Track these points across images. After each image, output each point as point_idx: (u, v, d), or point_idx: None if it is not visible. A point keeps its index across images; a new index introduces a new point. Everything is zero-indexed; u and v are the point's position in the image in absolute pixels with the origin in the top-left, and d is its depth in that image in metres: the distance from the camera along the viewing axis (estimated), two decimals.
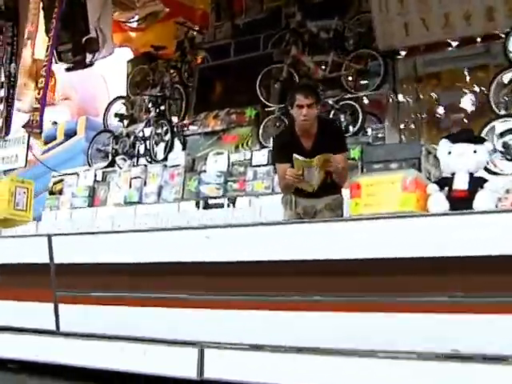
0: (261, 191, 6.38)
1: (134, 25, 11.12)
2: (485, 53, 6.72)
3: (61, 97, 12.23)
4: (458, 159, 3.68)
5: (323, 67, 7.14)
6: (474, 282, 3.03)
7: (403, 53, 7.13)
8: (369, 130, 6.41)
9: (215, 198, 6.56)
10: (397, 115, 6.81)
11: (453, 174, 3.66)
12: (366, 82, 7.05)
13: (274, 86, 7.49)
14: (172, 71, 8.71)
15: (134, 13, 10.84)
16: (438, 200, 3.61)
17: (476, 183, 3.60)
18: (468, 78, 6.92)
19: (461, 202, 3.52)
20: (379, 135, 6.27)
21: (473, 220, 3.23)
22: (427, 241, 3.20)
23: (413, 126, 7.06)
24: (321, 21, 7.51)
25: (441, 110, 7.11)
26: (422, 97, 7.13)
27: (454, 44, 6.85)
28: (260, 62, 7.68)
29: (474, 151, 3.68)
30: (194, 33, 9.22)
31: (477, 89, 6.83)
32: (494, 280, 3.00)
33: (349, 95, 6.87)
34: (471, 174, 3.63)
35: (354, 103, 6.63)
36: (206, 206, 6.55)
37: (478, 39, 6.73)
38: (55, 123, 10.93)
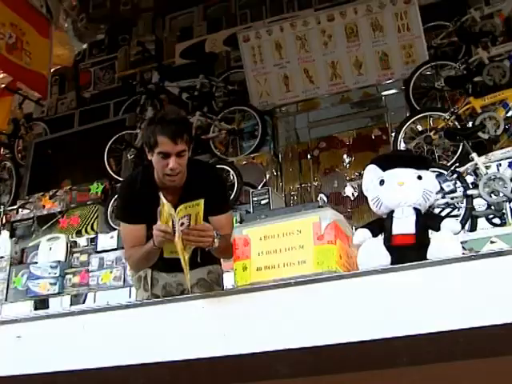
0: (109, 284, 4.83)
1: None
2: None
3: None
4: (396, 191, 2.39)
5: None
6: None
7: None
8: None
9: (48, 296, 4.94)
10: (281, 179, 5.60)
11: (390, 213, 2.36)
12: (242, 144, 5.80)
13: (127, 156, 6.08)
14: (3, 150, 7.13)
15: None
16: (373, 250, 2.30)
17: (426, 223, 2.33)
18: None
19: (406, 251, 2.25)
20: (262, 202, 4.92)
21: (431, 276, 1.92)
22: (360, 315, 1.93)
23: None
24: (183, 80, 6.32)
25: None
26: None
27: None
28: (109, 131, 6.37)
29: (418, 177, 2.40)
30: (32, 104, 7.73)
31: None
32: None
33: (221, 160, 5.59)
34: (417, 211, 2.35)
35: (229, 168, 5.30)
36: (38, 308, 4.95)
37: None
38: None
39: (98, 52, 8.09)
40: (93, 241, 5.24)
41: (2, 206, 6.45)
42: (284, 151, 5.96)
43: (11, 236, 6.03)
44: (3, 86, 8.31)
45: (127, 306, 2.43)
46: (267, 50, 5.87)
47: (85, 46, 8.31)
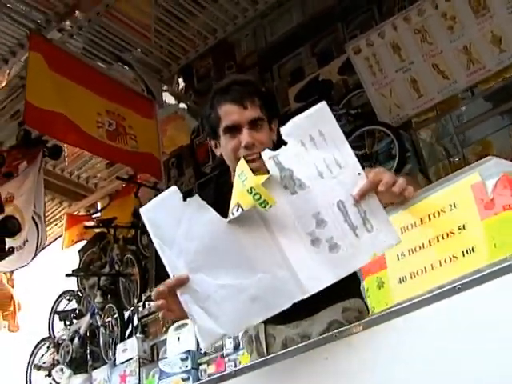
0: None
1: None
2: None
3: None
4: None
5: None
6: None
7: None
8: None
9: None
10: None
11: None
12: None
13: None
14: (125, 245, 6.74)
15: (90, 200, 9.30)
16: None
17: None
18: None
19: None
20: None
21: None
22: None
23: None
24: None
25: None
26: None
27: None
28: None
29: None
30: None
31: None
32: None
33: None
34: None
35: None
36: None
37: None
38: None
39: None
40: None
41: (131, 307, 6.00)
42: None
43: (143, 333, 5.49)
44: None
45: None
46: (384, 56, 5.06)
47: (198, 121, 7.92)
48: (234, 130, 2.04)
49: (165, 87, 7.94)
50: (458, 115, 4.84)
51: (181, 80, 8.26)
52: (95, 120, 6.16)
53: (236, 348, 4.19)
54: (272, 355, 1.61)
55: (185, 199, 1.57)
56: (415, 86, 4.95)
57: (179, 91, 8.24)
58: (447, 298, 1.31)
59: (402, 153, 4.72)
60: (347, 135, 4.54)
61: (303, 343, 1.54)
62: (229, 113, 2.05)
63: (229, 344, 4.25)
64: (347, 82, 6.07)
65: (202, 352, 4.43)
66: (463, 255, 1.41)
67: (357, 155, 4.30)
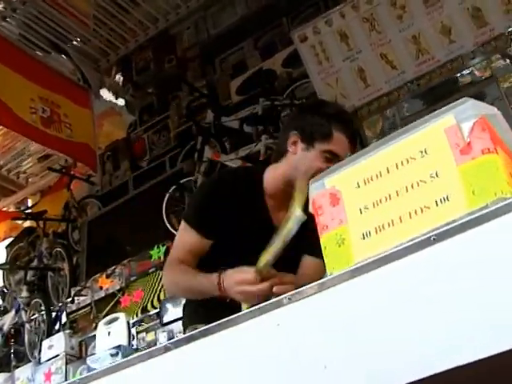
0: None
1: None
2: None
3: None
4: None
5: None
6: None
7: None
8: None
9: None
10: None
11: None
12: None
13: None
14: (55, 239, 6.44)
15: (20, 196, 8.90)
16: None
17: None
18: None
19: None
20: None
21: None
22: None
23: None
24: (242, 111, 5.45)
25: None
26: None
27: None
28: (166, 187, 5.53)
29: None
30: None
31: None
32: None
33: None
34: None
35: None
36: None
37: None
38: None
39: (148, 117, 7.37)
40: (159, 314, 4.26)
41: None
42: None
43: (71, 329, 5.20)
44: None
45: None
46: (331, 45, 4.91)
47: (135, 116, 7.67)
48: (331, 156, 2.13)
49: (103, 81, 7.67)
50: (407, 106, 4.72)
51: (119, 73, 7.99)
52: (28, 105, 5.93)
53: None
54: (215, 323, 1.39)
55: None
56: (362, 75, 4.82)
57: (117, 84, 7.97)
58: (420, 251, 1.13)
59: None
60: None
61: (251, 308, 1.33)
62: (340, 143, 2.14)
63: (162, 338, 4.01)
64: (291, 74, 5.92)
65: (134, 347, 4.18)
66: (436, 205, 1.23)
67: None
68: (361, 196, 1.34)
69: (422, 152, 1.29)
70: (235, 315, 1.38)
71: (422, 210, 1.24)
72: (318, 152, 2.15)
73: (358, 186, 1.37)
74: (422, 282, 1.11)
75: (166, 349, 1.42)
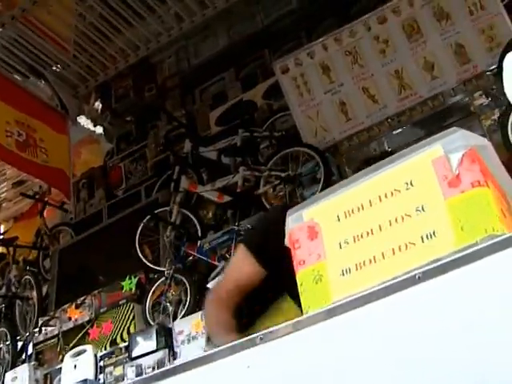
0: None
1: None
2: None
3: None
4: None
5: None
6: None
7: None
8: None
9: None
10: None
11: None
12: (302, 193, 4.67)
13: (164, 238, 5.06)
14: (25, 266, 6.28)
15: None
16: None
17: None
18: None
19: None
20: None
21: None
22: None
23: None
24: (220, 142, 5.38)
25: None
26: None
27: None
28: (141, 216, 5.40)
29: None
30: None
31: None
32: None
33: None
34: None
35: None
36: None
37: None
38: None
39: (126, 145, 7.28)
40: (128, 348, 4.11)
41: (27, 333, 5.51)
42: None
43: (37, 361, 5.02)
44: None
45: None
46: (313, 77, 4.88)
47: (113, 144, 7.57)
48: None
49: (81, 108, 7.59)
50: (388, 141, 4.67)
51: (98, 100, 7.90)
52: (4, 129, 5.84)
53: (138, 376, 3.80)
54: (183, 361, 1.29)
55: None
56: (343, 109, 4.77)
57: (95, 111, 7.88)
58: (404, 290, 1.05)
59: (328, 176, 4.51)
60: (270, 157, 4.31)
61: (221, 347, 1.23)
62: None
63: (130, 373, 3.86)
64: (272, 106, 5.88)
65: (101, 382, 4.02)
66: (422, 241, 1.16)
67: (280, 177, 4.11)
68: (341, 230, 1.26)
69: (407, 184, 1.22)
70: (205, 353, 1.29)
71: (406, 247, 1.17)
72: None
73: (338, 220, 1.29)
74: (405, 324, 1.03)
75: None
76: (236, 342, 1.21)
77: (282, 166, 4.81)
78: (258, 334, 1.18)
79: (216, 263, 4.58)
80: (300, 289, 1.29)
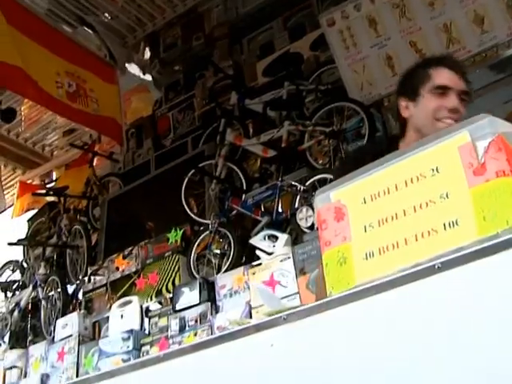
0: None
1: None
2: None
3: None
4: None
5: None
6: None
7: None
8: None
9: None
10: None
11: None
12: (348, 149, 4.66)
13: (209, 192, 5.11)
14: (76, 215, 6.45)
15: (44, 168, 8.92)
16: None
17: None
18: None
19: None
20: None
21: None
22: None
23: None
24: (266, 94, 5.36)
25: None
26: None
27: None
28: (187, 168, 5.44)
29: None
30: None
31: None
32: None
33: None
34: None
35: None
36: None
37: None
38: None
39: (174, 95, 7.30)
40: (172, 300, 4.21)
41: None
42: None
43: (86, 309, 5.20)
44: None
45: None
46: (359, 30, 4.78)
47: (161, 92, 7.61)
48: (443, 90, 2.09)
49: (131, 57, 7.62)
50: None
51: (147, 49, 7.92)
52: (54, 80, 5.89)
53: (182, 329, 3.90)
54: (207, 338, 1.34)
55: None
56: (390, 63, 4.68)
57: (144, 60, 7.91)
58: (423, 279, 1.06)
59: (372, 132, 4.47)
60: (315, 112, 4.28)
61: (244, 325, 1.28)
62: (443, 75, 2.11)
63: (174, 325, 3.97)
64: (319, 58, 5.80)
65: (146, 332, 4.15)
66: (444, 229, 1.16)
67: (324, 132, 4.09)
68: (366, 213, 1.28)
69: (433, 170, 1.22)
70: (231, 330, 1.34)
71: (429, 233, 1.18)
72: (427, 94, 2.12)
73: (365, 202, 1.31)
74: (422, 312, 1.06)
75: (161, 359, 1.40)
76: (260, 321, 1.26)
77: (326, 121, 4.78)
78: (281, 314, 1.22)
79: (259, 218, 4.61)
80: (325, 269, 1.32)
